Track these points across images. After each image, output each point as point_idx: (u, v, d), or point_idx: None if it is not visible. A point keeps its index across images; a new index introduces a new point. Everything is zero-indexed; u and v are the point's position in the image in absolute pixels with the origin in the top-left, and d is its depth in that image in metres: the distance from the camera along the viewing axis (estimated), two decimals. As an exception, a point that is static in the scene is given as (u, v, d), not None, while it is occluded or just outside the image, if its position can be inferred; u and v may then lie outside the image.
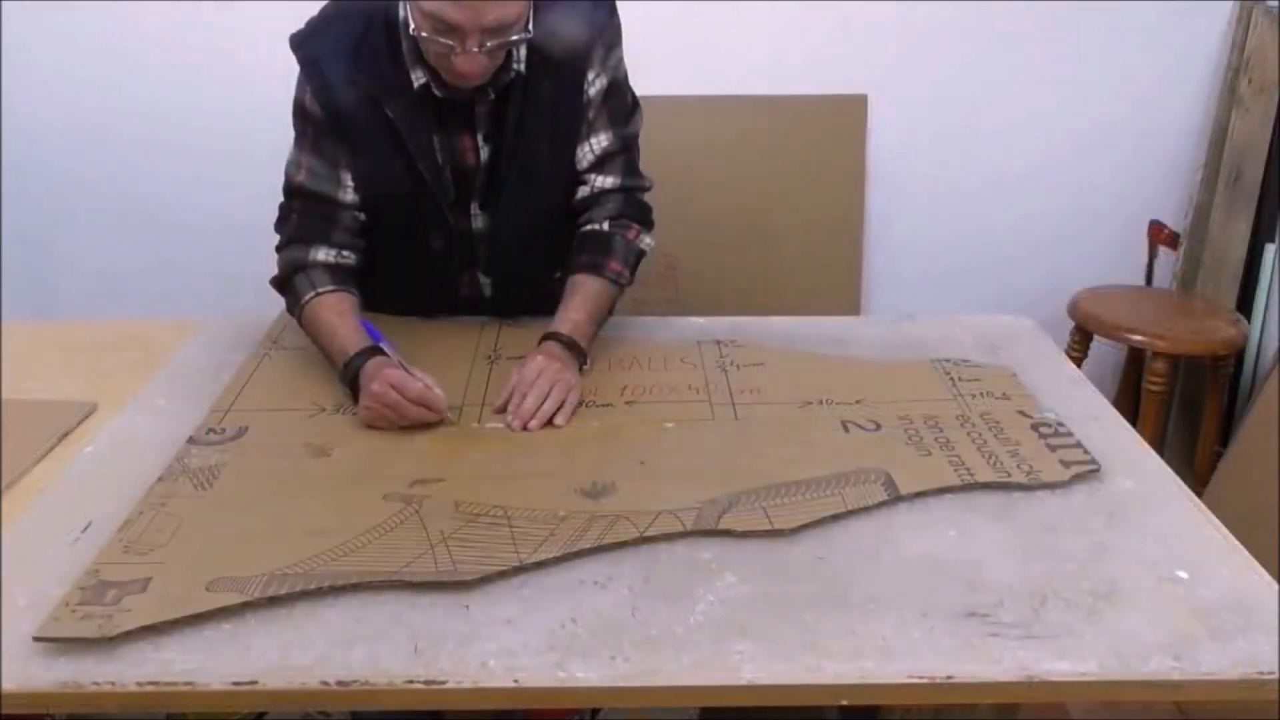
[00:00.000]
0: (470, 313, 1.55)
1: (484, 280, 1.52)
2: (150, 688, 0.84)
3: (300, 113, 1.39)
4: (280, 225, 1.43)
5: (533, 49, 1.34)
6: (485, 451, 1.20)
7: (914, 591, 0.96)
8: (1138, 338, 2.29)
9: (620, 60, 1.43)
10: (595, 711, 1.44)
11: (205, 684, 0.84)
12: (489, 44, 1.23)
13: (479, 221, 1.45)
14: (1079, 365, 2.00)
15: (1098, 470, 1.15)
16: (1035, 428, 1.24)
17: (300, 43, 1.38)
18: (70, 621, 0.89)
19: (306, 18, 1.41)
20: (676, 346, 1.47)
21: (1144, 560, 1.00)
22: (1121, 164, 2.60)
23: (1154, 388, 2.32)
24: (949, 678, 0.86)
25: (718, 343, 1.48)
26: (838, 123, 2.49)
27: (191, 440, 1.21)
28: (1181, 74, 2.53)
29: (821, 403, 1.30)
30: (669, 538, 1.03)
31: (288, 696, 0.85)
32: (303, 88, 1.37)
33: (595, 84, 1.40)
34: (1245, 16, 2.45)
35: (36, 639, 0.87)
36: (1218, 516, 1.08)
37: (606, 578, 0.98)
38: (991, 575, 0.98)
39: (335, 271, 1.39)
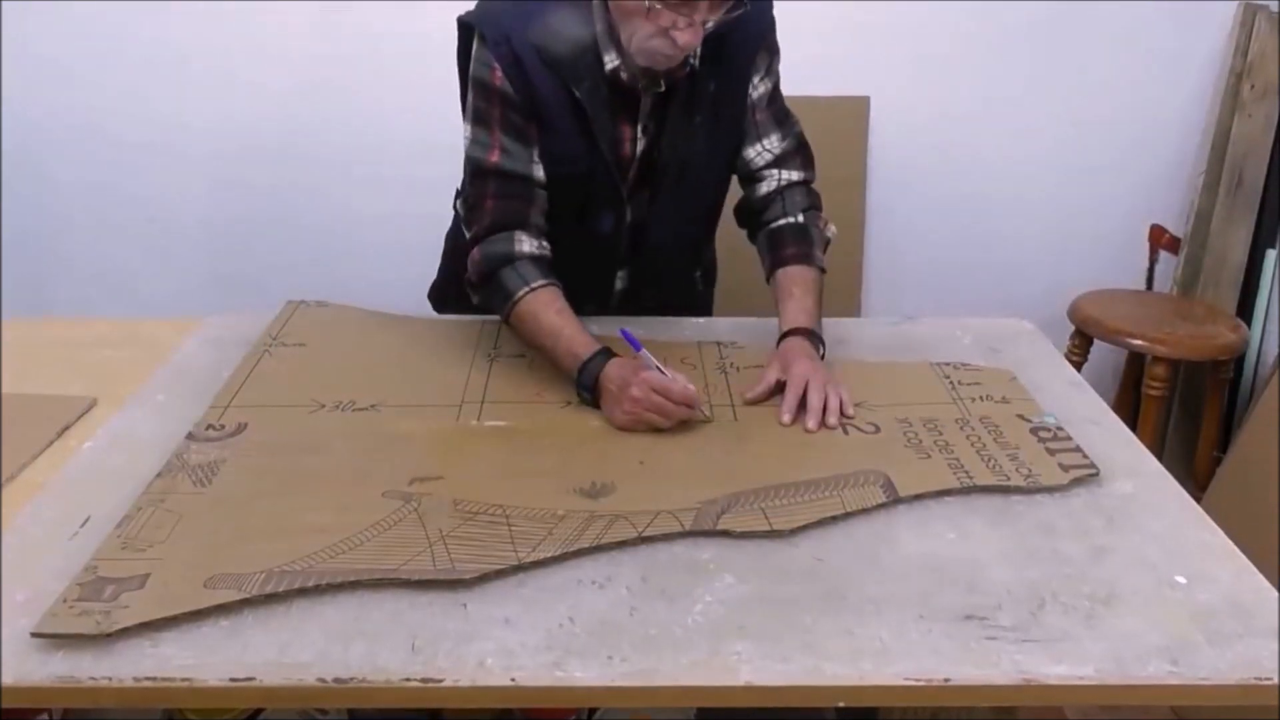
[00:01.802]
0: (600, 306, 1.54)
1: (619, 274, 1.53)
2: (147, 684, 0.84)
3: (485, 90, 1.34)
4: (474, 213, 1.38)
5: (705, 46, 1.34)
6: (484, 450, 1.20)
7: (912, 593, 0.95)
8: (1138, 342, 2.29)
9: (778, 69, 1.47)
10: (593, 711, 1.44)
11: (203, 681, 0.84)
12: (711, 18, 1.25)
13: (626, 215, 1.46)
14: (1079, 369, 2.00)
15: (1097, 474, 1.15)
16: (1034, 431, 1.24)
17: (488, 19, 1.34)
18: (68, 618, 0.89)
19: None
20: (676, 346, 1.47)
21: (1143, 564, 1.00)
22: (1122, 167, 2.60)
23: (1154, 392, 2.32)
24: (946, 680, 0.86)
25: (718, 344, 1.48)
26: (840, 124, 2.49)
27: (191, 437, 1.21)
28: (1183, 77, 2.53)
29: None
30: (668, 538, 1.03)
31: (285, 694, 0.85)
32: (487, 65, 1.32)
33: (759, 88, 1.44)
34: (1248, 20, 2.45)
35: (34, 635, 0.87)
36: (1217, 521, 1.08)
37: (605, 577, 0.97)
38: (990, 578, 0.98)
39: (540, 263, 1.36)
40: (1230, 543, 1.05)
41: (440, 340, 1.48)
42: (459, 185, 1.47)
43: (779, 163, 1.48)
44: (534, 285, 1.34)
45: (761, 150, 1.48)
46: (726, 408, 1.30)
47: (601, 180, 1.40)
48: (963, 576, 0.98)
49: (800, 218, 1.48)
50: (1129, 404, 2.57)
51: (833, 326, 1.55)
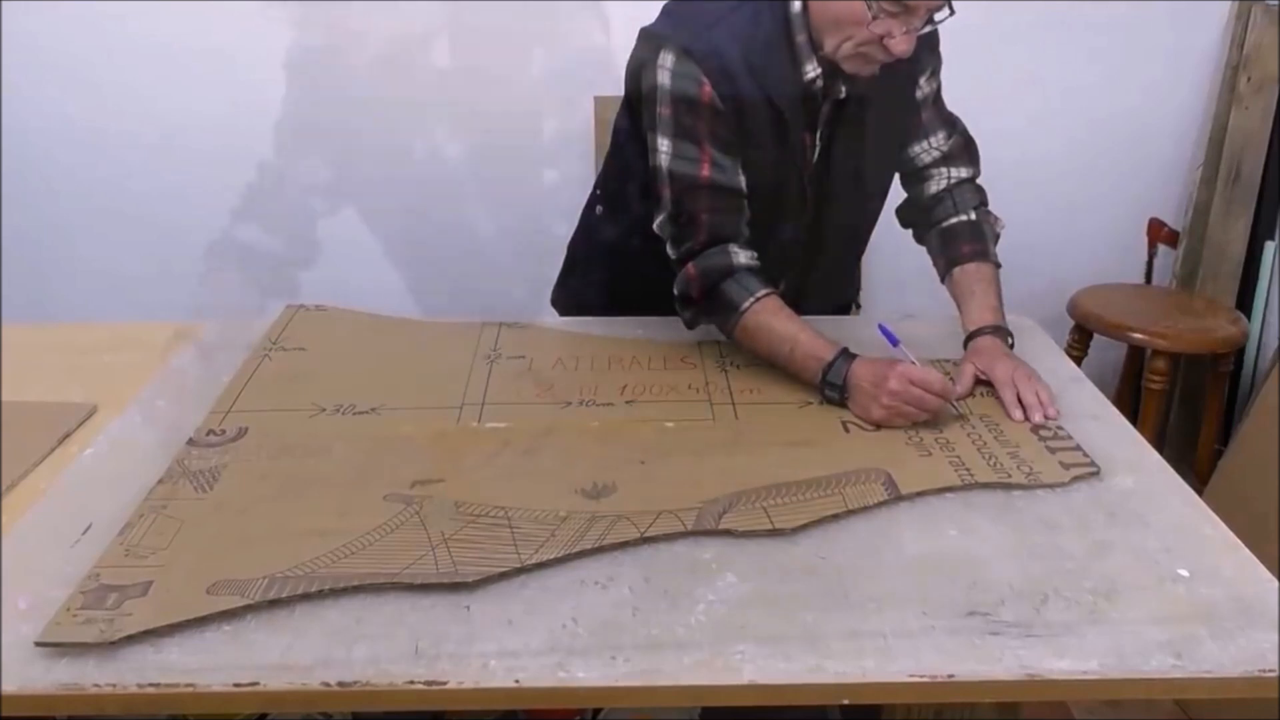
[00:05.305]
0: None
1: (783, 278, 1.52)
2: (151, 690, 0.84)
3: (691, 105, 1.31)
4: (686, 229, 1.36)
5: None
6: (485, 452, 1.20)
7: (915, 591, 0.95)
8: (1138, 336, 2.30)
9: (940, 72, 1.48)
10: (596, 712, 1.44)
11: (206, 685, 0.84)
12: (924, 24, 1.26)
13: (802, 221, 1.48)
14: (1079, 363, 1.99)
15: (1097, 473, 1.15)
16: (1035, 430, 1.24)
17: (689, 33, 1.32)
18: (72, 626, 0.88)
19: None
20: (676, 346, 1.47)
21: (1145, 558, 1.00)
22: (1121, 161, 2.60)
23: (1154, 386, 2.32)
24: (950, 677, 0.86)
25: (718, 343, 1.48)
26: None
27: (191, 442, 1.21)
28: (1181, 71, 2.53)
29: (822, 403, 1.30)
30: (669, 538, 1.03)
31: (288, 698, 0.85)
32: (694, 80, 1.30)
33: (924, 88, 1.46)
34: (1244, 14, 2.45)
35: (38, 644, 0.87)
36: (1218, 514, 1.08)
37: (607, 578, 0.97)
38: (992, 574, 0.98)
39: (757, 273, 1.36)
40: (1232, 535, 1.05)
41: (440, 342, 1.48)
42: (596, 187, 1.50)
43: (946, 160, 1.50)
44: (758, 295, 1.34)
45: (928, 147, 1.49)
46: (727, 406, 1.30)
47: (791, 189, 1.41)
48: (965, 573, 0.98)
49: (973, 215, 1.49)
50: (1129, 398, 2.57)
51: (833, 326, 1.55)
